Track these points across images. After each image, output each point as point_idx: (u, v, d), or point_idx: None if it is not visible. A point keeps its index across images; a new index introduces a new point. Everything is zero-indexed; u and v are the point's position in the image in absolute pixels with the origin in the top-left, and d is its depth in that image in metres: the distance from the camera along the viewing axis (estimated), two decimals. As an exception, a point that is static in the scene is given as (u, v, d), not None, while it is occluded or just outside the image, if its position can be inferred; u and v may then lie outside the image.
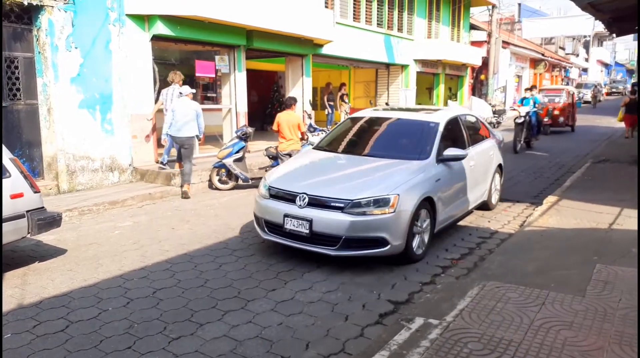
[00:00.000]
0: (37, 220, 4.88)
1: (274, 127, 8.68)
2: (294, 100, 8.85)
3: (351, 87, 20.34)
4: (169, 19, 9.29)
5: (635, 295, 3.95)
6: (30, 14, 7.84)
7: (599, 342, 3.25)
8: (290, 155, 8.17)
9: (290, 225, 4.93)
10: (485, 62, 24.08)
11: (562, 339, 3.29)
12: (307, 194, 4.92)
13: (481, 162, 6.74)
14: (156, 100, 9.74)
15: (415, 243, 5.08)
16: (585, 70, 52.63)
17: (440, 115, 6.40)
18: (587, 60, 53.23)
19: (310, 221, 4.79)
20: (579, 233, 5.83)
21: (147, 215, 7.23)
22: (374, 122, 6.72)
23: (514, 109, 15.45)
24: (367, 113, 7.11)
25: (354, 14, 15.41)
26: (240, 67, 11.37)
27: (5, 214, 4.54)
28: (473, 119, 7.38)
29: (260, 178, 6.38)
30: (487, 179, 7.03)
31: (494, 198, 7.43)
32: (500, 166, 7.56)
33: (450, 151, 5.68)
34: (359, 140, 6.48)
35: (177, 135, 8.29)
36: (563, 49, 44.49)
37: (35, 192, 4.95)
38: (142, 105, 9.41)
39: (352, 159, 5.86)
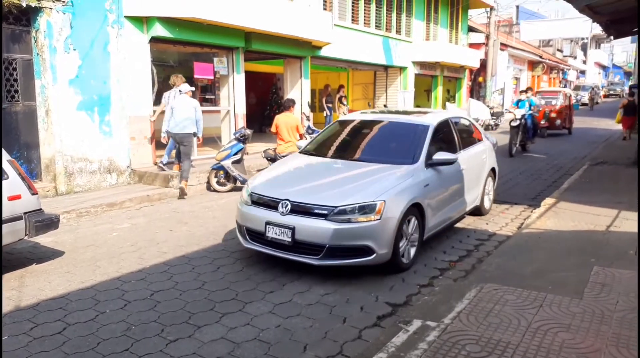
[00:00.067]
0: (34, 222, 4.87)
1: (273, 129, 8.68)
2: (292, 102, 8.87)
3: (349, 89, 20.36)
4: (168, 21, 9.30)
5: (632, 297, 3.96)
6: (28, 16, 7.84)
7: (596, 344, 3.26)
8: (288, 157, 8.16)
9: (272, 233, 4.74)
10: (483, 64, 24.13)
11: (560, 341, 3.29)
12: (290, 201, 4.73)
13: (473, 166, 6.56)
14: (154, 102, 9.76)
15: (402, 251, 4.88)
16: (583, 72, 52.76)
17: (430, 118, 6.24)
18: (584, 62, 53.37)
19: (292, 229, 4.61)
20: (576, 235, 5.84)
21: (145, 217, 7.22)
22: (362, 126, 6.55)
23: (509, 112, 15.37)
24: (356, 116, 6.99)
25: (352, 16, 15.44)
26: (238, 69, 11.38)
27: (2, 216, 4.53)
28: (465, 122, 7.21)
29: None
30: (480, 184, 6.85)
31: (487, 203, 7.26)
32: (493, 170, 7.40)
33: (440, 155, 5.51)
34: (346, 144, 6.32)
35: (176, 132, 8.42)
36: (561, 51, 44.62)
37: (33, 194, 4.94)
38: (140, 107, 9.41)
39: (339, 164, 5.70)
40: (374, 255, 4.59)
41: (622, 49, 68.79)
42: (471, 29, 24.88)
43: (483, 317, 3.66)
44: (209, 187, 9.04)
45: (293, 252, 4.69)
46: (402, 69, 18.69)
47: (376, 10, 16.53)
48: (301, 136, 8.67)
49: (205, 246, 5.81)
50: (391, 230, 4.64)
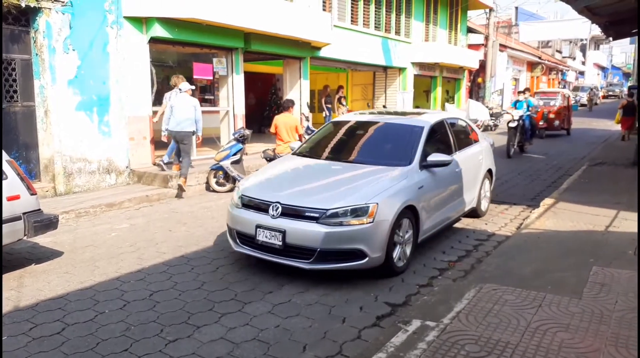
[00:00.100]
0: (33, 222, 4.87)
1: (272, 129, 8.69)
2: (291, 102, 8.88)
3: (349, 90, 20.36)
4: (167, 22, 9.30)
5: (631, 297, 3.96)
6: (27, 16, 7.83)
7: (595, 344, 3.26)
8: (287, 157, 8.16)
9: (262, 236, 4.65)
10: (483, 65, 24.17)
11: (559, 341, 3.30)
12: (281, 204, 4.64)
13: (469, 167, 6.46)
14: (154, 102, 9.77)
15: (396, 254, 4.78)
16: (582, 73, 52.84)
17: (425, 119, 6.15)
18: (583, 63, 53.44)
19: (283, 233, 4.52)
20: (575, 235, 5.84)
21: (144, 217, 7.22)
22: (357, 127, 6.46)
23: (507, 113, 15.31)
24: (351, 117, 6.93)
25: (351, 17, 15.45)
26: (238, 70, 11.38)
27: (1, 216, 4.53)
28: (461, 123, 7.12)
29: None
30: (476, 185, 6.74)
31: (484, 205, 7.14)
32: (490, 171, 7.29)
33: (435, 157, 5.41)
34: (340, 146, 6.23)
35: (176, 129, 8.49)
36: (560, 52, 44.68)
37: (32, 194, 4.94)
38: (139, 107, 9.41)
39: (332, 166, 5.60)
40: (367, 259, 4.50)
41: (621, 50, 68.93)
42: (470, 30, 24.90)
43: (482, 317, 3.66)
44: (208, 187, 9.03)
45: (284, 256, 4.61)
46: (401, 69, 18.71)
47: (375, 11, 16.55)
48: (300, 137, 8.68)
49: (204, 246, 5.81)
50: (384, 233, 4.55)
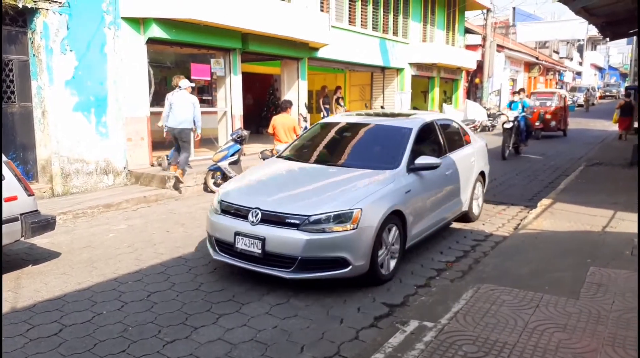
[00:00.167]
0: (30, 223, 4.86)
1: (270, 130, 8.70)
2: (289, 103, 8.89)
3: (347, 91, 20.36)
4: (165, 22, 9.29)
5: (628, 297, 3.98)
6: (25, 17, 7.82)
7: (592, 344, 3.27)
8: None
9: (241, 244, 4.45)
10: (480, 65, 24.21)
11: (556, 341, 3.30)
12: (261, 210, 4.44)
13: (460, 170, 6.27)
14: (151, 103, 9.77)
15: (381, 262, 4.59)
16: (579, 74, 53.00)
17: (413, 120, 5.96)
18: (581, 64, 53.61)
19: (263, 240, 4.32)
20: (572, 235, 5.86)
21: (141, 218, 7.21)
22: (344, 129, 6.26)
23: (502, 114, 15.23)
24: (338, 118, 6.76)
25: (349, 18, 15.46)
26: (235, 71, 11.38)
27: (1, 216, 4.52)
28: (452, 124, 6.88)
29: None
30: (468, 189, 6.54)
31: (476, 209, 6.95)
32: (482, 173, 7.10)
33: (423, 160, 5.22)
34: (326, 148, 6.02)
35: (174, 126, 8.55)
36: (557, 52, 44.82)
37: (29, 195, 4.93)
38: (137, 108, 9.40)
39: (316, 170, 5.37)
40: (350, 267, 4.31)
41: (618, 51, 69.13)
42: (468, 31, 24.96)
43: (480, 317, 3.67)
44: (206, 188, 9.03)
45: (263, 265, 4.42)
46: (399, 70, 18.73)
47: (373, 11, 16.56)
48: (298, 137, 8.68)
49: (202, 247, 5.80)
50: (368, 239, 4.36)
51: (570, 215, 6.71)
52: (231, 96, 11.40)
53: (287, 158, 5.87)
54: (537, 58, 35.63)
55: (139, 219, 7.17)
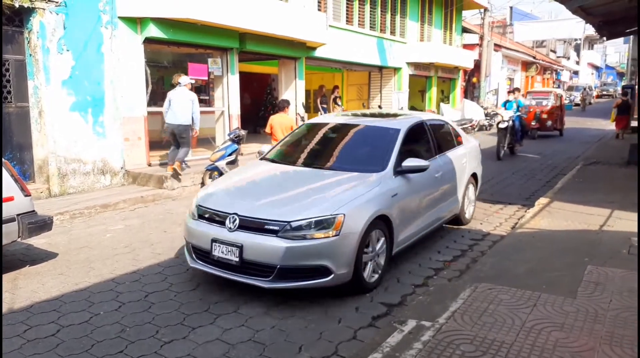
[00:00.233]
0: (27, 224, 4.85)
1: (267, 129, 8.68)
2: (287, 103, 8.88)
3: (344, 90, 20.37)
4: (162, 22, 9.27)
5: (626, 296, 3.99)
6: (21, 16, 7.79)
7: (590, 343, 3.27)
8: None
9: (218, 251, 4.26)
10: (478, 65, 24.23)
11: (554, 340, 3.31)
12: (238, 215, 4.25)
13: (451, 172, 6.11)
14: (148, 103, 9.76)
15: (366, 269, 4.41)
16: (576, 73, 53.11)
17: (402, 121, 5.79)
18: (578, 63, 53.72)
19: (240, 248, 4.13)
20: (570, 234, 5.87)
21: (139, 218, 7.19)
22: (331, 130, 6.04)
23: (496, 113, 15.14)
24: (326, 119, 6.60)
25: (346, 17, 15.46)
26: (233, 70, 11.37)
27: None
28: (443, 124, 6.70)
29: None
30: (459, 191, 6.36)
31: (468, 212, 6.78)
32: (474, 175, 6.93)
33: (410, 162, 5.01)
34: (311, 150, 5.79)
35: (173, 122, 8.60)
36: (554, 52, 44.90)
37: (26, 195, 4.92)
38: (134, 108, 9.38)
39: (300, 173, 5.19)
40: (332, 276, 4.11)
41: (615, 50, 69.28)
42: (465, 30, 24.98)
43: (477, 317, 3.67)
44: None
45: (241, 273, 4.22)
46: (396, 69, 18.73)
47: (370, 11, 16.56)
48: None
49: (199, 247, 5.79)
50: (352, 246, 4.17)
51: (568, 214, 6.72)
52: (228, 96, 11.39)
53: (271, 160, 5.69)
54: (534, 57, 35.68)
55: (136, 219, 7.15)
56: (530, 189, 9.24)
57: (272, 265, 4.07)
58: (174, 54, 12.43)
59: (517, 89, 14.55)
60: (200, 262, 4.52)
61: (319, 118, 6.85)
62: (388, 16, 17.59)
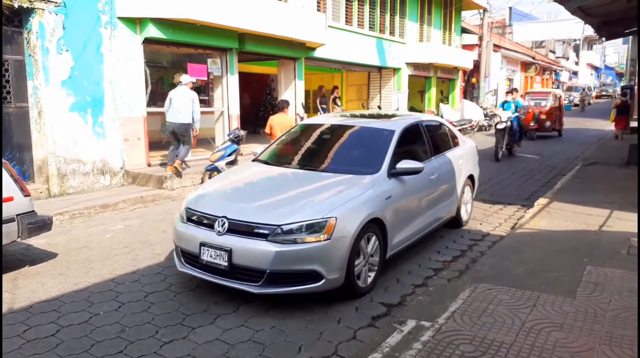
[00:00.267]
0: (27, 224, 4.85)
1: (267, 130, 8.69)
2: (286, 103, 8.89)
3: (344, 91, 20.39)
4: (161, 22, 9.27)
5: (625, 296, 3.99)
6: (20, 17, 7.79)
7: (589, 343, 3.28)
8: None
9: (207, 255, 4.16)
10: (477, 65, 24.24)
11: (553, 340, 3.32)
12: (228, 219, 4.15)
13: (447, 174, 6.02)
14: (148, 103, 9.76)
15: (358, 274, 4.31)
16: (575, 73, 53.14)
17: (396, 122, 5.69)
18: (577, 63, 53.74)
19: (229, 252, 4.02)
20: (569, 235, 5.88)
21: (138, 219, 7.19)
22: (325, 131, 5.93)
23: (494, 114, 15.12)
24: (321, 120, 6.55)
25: (346, 17, 15.46)
26: (232, 70, 11.37)
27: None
28: (439, 125, 6.60)
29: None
30: (455, 193, 6.26)
31: (465, 214, 6.69)
32: (471, 177, 6.84)
33: (404, 164, 4.92)
34: (304, 152, 5.72)
35: (174, 121, 8.65)
36: (553, 52, 44.94)
37: (26, 196, 4.92)
38: (133, 108, 9.38)
39: (292, 175, 5.13)
40: (323, 281, 4.02)
41: (614, 51, 69.39)
42: (464, 31, 24.99)
43: (477, 317, 3.67)
44: (203, 188, 9.01)
45: (230, 278, 4.13)
46: (395, 70, 18.74)
47: (370, 11, 16.57)
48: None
49: (199, 247, 5.78)
50: (344, 250, 4.07)
51: (567, 214, 6.73)
52: (228, 96, 11.39)
53: (264, 162, 5.59)
54: (533, 58, 35.70)
55: (135, 219, 7.15)
56: (530, 189, 9.25)
57: (262, 270, 3.98)
58: (173, 54, 12.43)
59: (515, 90, 14.53)
60: (189, 266, 4.43)
61: (314, 119, 6.78)
62: (387, 16, 17.60)
